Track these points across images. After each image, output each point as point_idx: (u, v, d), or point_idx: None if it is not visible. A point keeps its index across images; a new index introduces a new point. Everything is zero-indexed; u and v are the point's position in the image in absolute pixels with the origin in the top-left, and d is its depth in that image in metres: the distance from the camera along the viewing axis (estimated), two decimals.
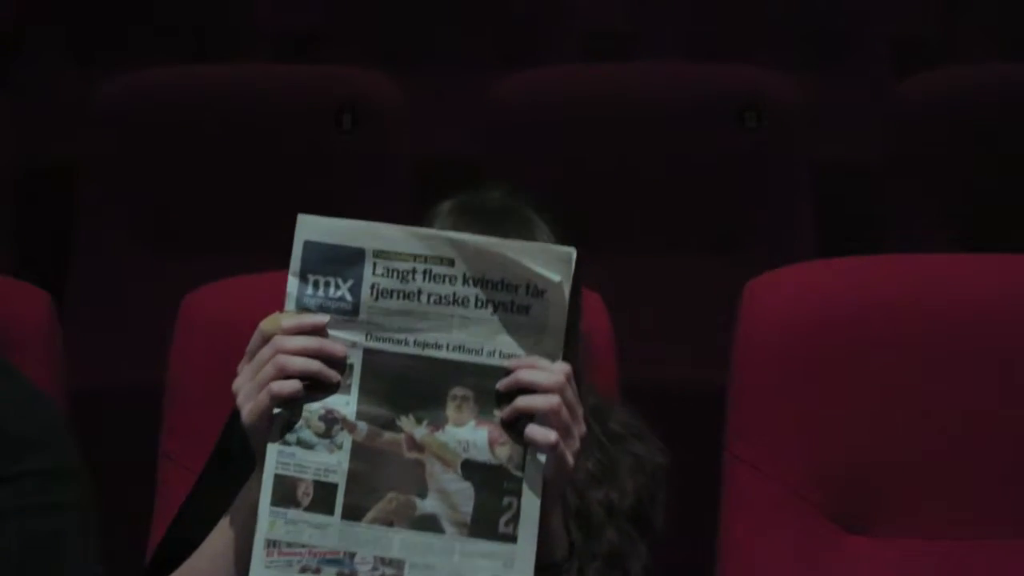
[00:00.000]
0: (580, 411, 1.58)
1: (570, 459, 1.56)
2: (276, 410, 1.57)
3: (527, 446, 1.54)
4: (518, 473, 1.54)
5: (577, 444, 1.58)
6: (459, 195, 1.80)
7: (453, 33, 4.15)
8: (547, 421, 1.54)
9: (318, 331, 1.57)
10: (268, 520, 1.56)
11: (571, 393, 1.57)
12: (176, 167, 3.28)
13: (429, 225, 1.75)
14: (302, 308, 1.59)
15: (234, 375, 1.62)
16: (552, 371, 1.55)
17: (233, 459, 1.73)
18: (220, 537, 1.65)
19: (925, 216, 3.27)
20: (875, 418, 1.94)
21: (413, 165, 3.26)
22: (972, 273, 2.02)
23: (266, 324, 1.59)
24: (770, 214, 3.24)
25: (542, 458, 1.54)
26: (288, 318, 1.58)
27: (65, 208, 3.33)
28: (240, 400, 1.59)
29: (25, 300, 2.04)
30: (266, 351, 1.58)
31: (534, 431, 1.54)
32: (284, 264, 1.61)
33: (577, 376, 1.61)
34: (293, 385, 1.56)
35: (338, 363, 1.57)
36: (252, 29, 4.21)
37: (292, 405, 1.57)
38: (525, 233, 1.74)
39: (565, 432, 1.56)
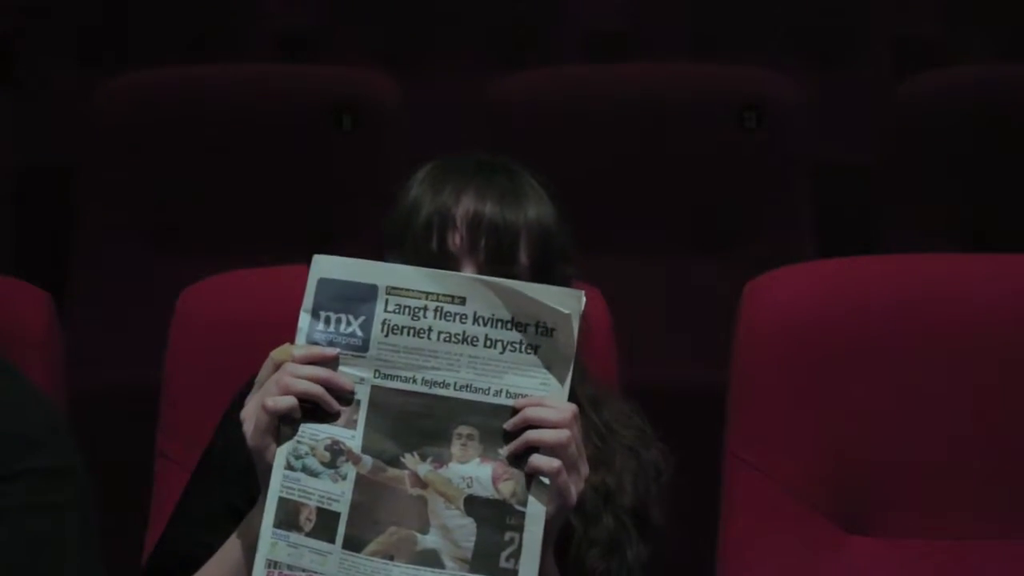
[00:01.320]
0: (584, 453, 1.59)
1: (573, 494, 1.57)
2: (280, 426, 1.57)
3: (530, 481, 1.55)
4: (521, 508, 1.55)
5: (582, 483, 1.59)
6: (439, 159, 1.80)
7: (453, 33, 4.15)
8: (553, 455, 1.55)
9: (328, 363, 1.58)
10: (270, 541, 1.57)
11: (578, 431, 1.58)
12: (176, 167, 3.28)
13: (408, 189, 1.76)
14: (312, 343, 1.60)
15: (230, 371, 1.63)
16: (560, 409, 1.56)
17: (219, 467, 1.73)
18: (224, 561, 1.66)
19: (925, 216, 3.27)
20: (875, 418, 1.94)
21: (413, 165, 3.26)
22: (972, 273, 2.02)
23: (277, 353, 1.60)
24: (770, 214, 3.24)
25: (545, 493, 1.55)
26: (299, 348, 1.59)
27: (65, 208, 3.33)
28: (245, 425, 1.60)
29: (25, 300, 2.04)
30: (275, 376, 1.59)
31: (538, 460, 1.55)
32: (285, 263, 1.61)
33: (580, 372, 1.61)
34: (288, 401, 1.57)
35: (344, 395, 1.58)
36: (252, 29, 4.20)
37: (295, 427, 1.58)
38: (512, 183, 1.73)
39: (570, 467, 1.56)
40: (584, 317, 1.60)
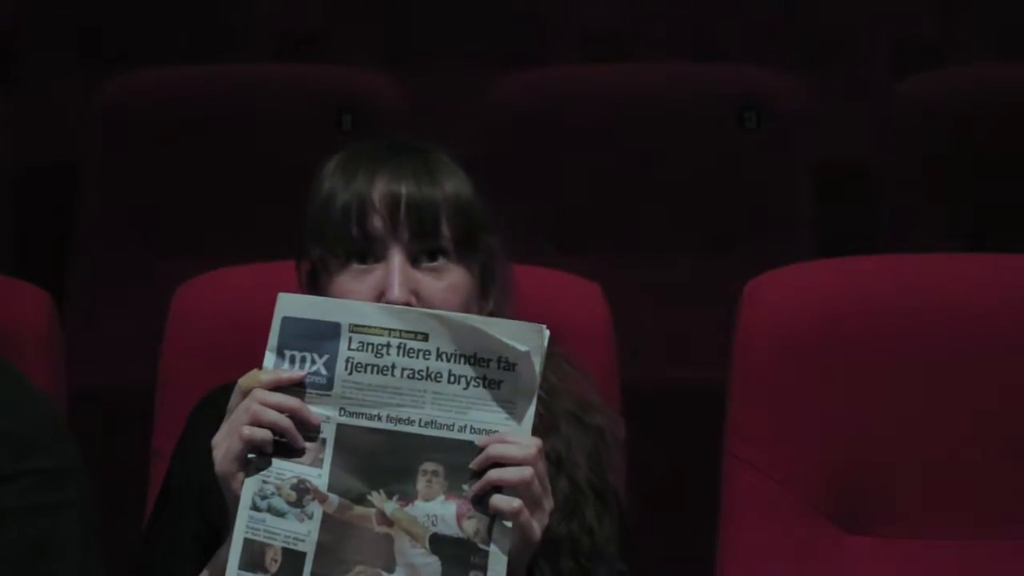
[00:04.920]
0: (549, 487, 1.59)
1: (536, 531, 1.57)
2: (249, 455, 1.57)
3: (494, 519, 1.55)
4: (484, 547, 1.55)
5: (546, 519, 1.58)
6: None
7: (453, 33, 4.15)
8: (516, 493, 1.55)
9: (294, 388, 1.58)
10: None
11: (542, 467, 1.57)
12: (176, 167, 3.28)
13: (321, 182, 1.74)
14: None
15: (225, 368, 1.62)
16: (524, 445, 1.56)
17: (179, 494, 1.74)
18: None
19: (925, 216, 3.27)
20: (875, 418, 1.94)
21: None
22: (972, 273, 2.02)
23: (244, 381, 1.60)
24: (770, 214, 3.24)
25: (507, 531, 1.55)
26: (266, 373, 1.59)
27: (65, 208, 3.33)
28: (215, 452, 1.59)
29: (25, 300, 2.04)
30: (245, 402, 1.58)
31: (499, 500, 1.54)
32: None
33: None
34: (264, 433, 1.56)
35: (311, 430, 1.58)
36: (252, 29, 4.20)
37: (264, 460, 1.58)
38: (424, 161, 1.73)
39: (534, 504, 1.56)
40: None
